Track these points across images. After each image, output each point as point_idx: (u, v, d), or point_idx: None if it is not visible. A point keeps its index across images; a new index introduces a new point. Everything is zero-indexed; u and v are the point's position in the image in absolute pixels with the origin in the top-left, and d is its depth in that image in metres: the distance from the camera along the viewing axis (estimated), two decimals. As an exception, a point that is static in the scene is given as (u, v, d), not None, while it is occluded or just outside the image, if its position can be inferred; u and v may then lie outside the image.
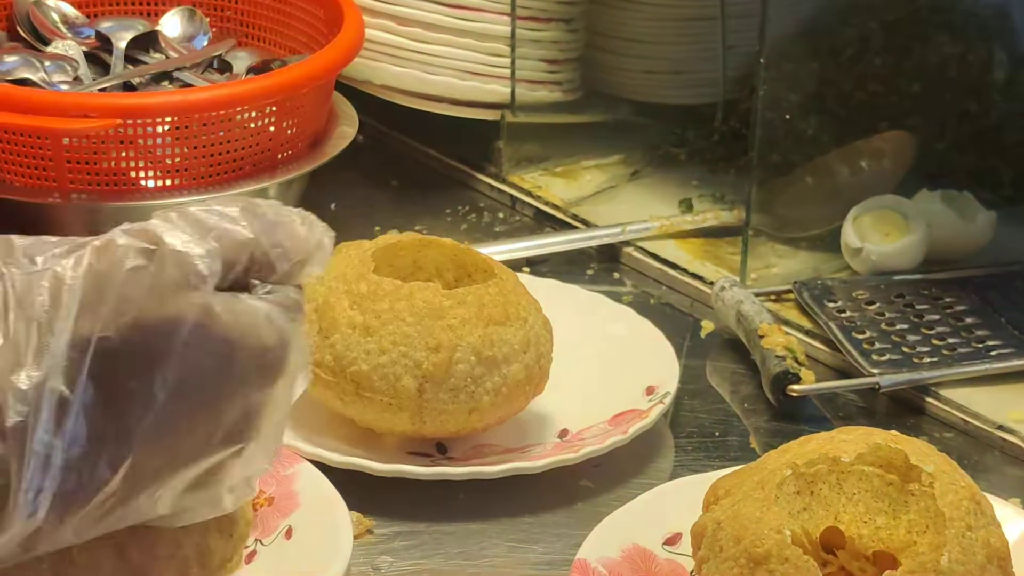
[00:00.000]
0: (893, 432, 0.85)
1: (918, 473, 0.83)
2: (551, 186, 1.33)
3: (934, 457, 0.83)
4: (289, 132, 1.18)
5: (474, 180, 1.35)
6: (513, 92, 1.32)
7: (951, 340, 1.10)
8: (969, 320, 1.12)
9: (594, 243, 1.25)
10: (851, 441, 0.84)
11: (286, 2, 1.29)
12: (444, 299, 0.96)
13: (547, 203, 1.31)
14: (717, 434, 1.04)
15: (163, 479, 0.67)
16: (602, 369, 1.06)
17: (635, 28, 1.38)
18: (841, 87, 1.32)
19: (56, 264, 0.65)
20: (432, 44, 1.29)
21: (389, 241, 1.02)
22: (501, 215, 1.31)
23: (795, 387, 1.04)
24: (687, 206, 1.29)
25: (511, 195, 1.33)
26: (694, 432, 1.04)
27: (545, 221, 1.29)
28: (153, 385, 0.64)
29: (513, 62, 1.31)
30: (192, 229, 0.67)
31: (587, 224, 1.27)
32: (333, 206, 1.29)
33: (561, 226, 1.28)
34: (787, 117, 1.22)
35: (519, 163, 1.36)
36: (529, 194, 1.32)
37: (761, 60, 1.17)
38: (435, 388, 0.94)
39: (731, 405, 1.08)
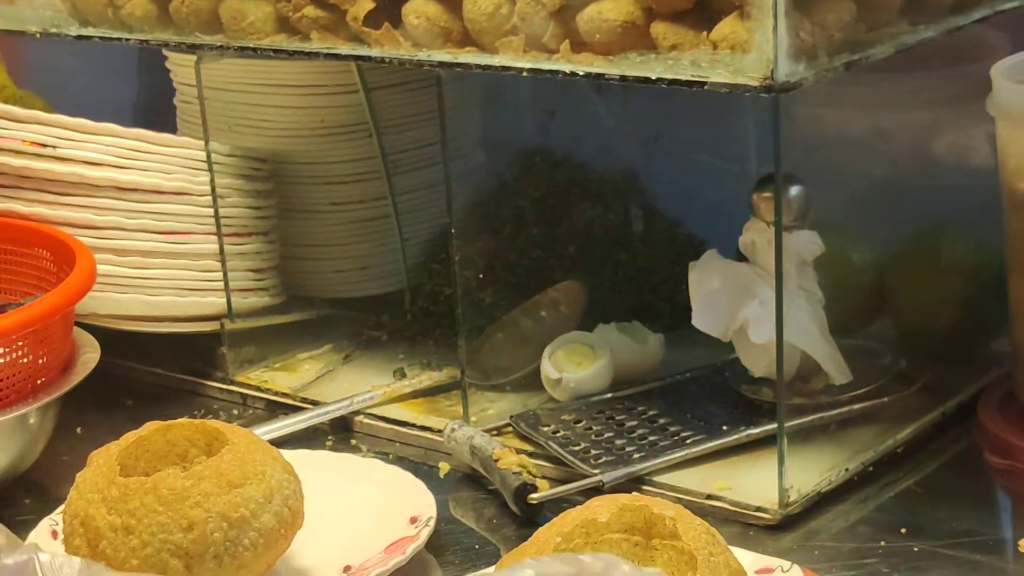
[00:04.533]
0: (633, 494, 1.03)
1: (660, 524, 1.00)
2: (275, 379, 1.48)
3: (671, 505, 1.01)
4: (41, 361, 1.30)
5: (203, 387, 1.49)
6: (229, 301, 1.47)
7: (652, 438, 1.29)
8: (662, 421, 1.32)
9: (327, 417, 1.40)
10: (603, 505, 1.01)
11: (12, 252, 1.42)
12: (185, 480, 1.07)
13: (276, 393, 1.46)
14: (477, 547, 1.19)
15: None
16: (369, 509, 1.20)
17: (321, 234, 1.56)
18: (508, 258, 1.52)
19: None
20: (151, 268, 1.43)
21: (130, 439, 1.13)
22: (235, 411, 1.45)
23: (534, 495, 1.21)
24: (401, 374, 1.46)
25: (240, 393, 1.47)
26: (457, 550, 1.19)
27: (277, 409, 1.44)
28: None
29: (225, 275, 1.46)
30: None
31: (316, 404, 1.42)
32: (79, 430, 1.41)
33: (293, 411, 1.43)
34: (471, 290, 1.40)
35: (242, 365, 1.50)
36: (258, 389, 1.47)
37: (453, 235, 1.35)
38: (200, 562, 1.06)
39: (479, 526, 1.23)
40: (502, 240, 1.52)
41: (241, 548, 1.07)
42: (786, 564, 1.07)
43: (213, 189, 1.46)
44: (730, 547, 1.03)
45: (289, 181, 1.55)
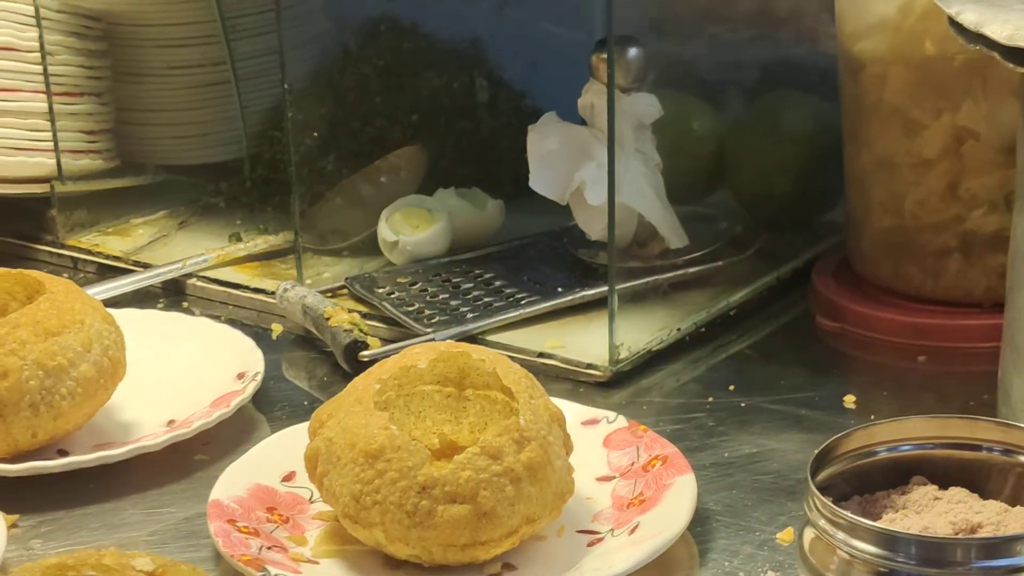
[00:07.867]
0: (450, 342, 1.01)
1: (474, 374, 0.99)
2: (107, 243, 1.45)
3: (488, 352, 1.00)
4: None
5: (32, 251, 1.46)
6: (59, 163, 1.43)
7: (487, 299, 1.28)
8: (499, 283, 1.31)
9: (159, 279, 1.37)
10: (421, 353, 1.00)
11: None
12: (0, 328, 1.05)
13: (107, 257, 1.43)
14: (306, 403, 1.18)
15: None
16: (196, 365, 1.18)
17: (158, 99, 1.52)
18: (350, 126, 1.49)
19: None
20: (-25, 127, 1.39)
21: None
22: (65, 275, 1.40)
23: (365, 352, 1.19)
24: (237, 238, 1.43)
25: (71, 257, 1.44)
26: (285, 406, 1.18)
27: (108, 273, 1.41)
28: None
29: (55, 135, 1.42)
30: None
31: (149, 267, 1.39)
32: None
33: (125, 274, 1.39)
34: (311, 157, 1.38)
35: (73, 229, 1.47)
36: (89, 252, 1.44)
37: (287, 92, 1.32)
38: (15, 411, 1.04)
39: (310, 385, 1.22)
40: (345, 108, 1.49)
41: (58, 397, 1.05)
42: (611, 415, 1.07)
43: (42, 45, 1.41)
44: (558, 400, 1.03)
45: (125, 43, 1.50)
